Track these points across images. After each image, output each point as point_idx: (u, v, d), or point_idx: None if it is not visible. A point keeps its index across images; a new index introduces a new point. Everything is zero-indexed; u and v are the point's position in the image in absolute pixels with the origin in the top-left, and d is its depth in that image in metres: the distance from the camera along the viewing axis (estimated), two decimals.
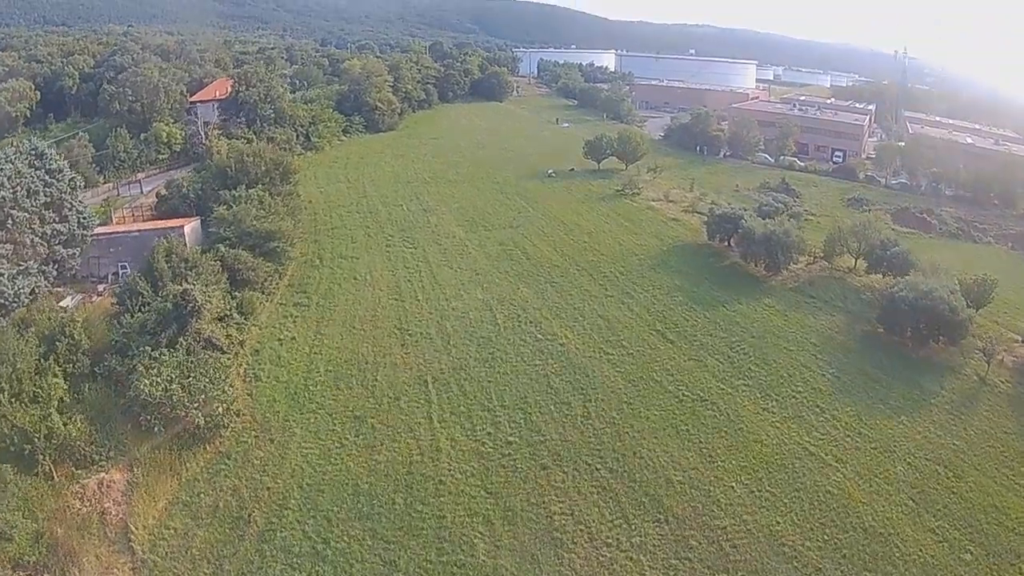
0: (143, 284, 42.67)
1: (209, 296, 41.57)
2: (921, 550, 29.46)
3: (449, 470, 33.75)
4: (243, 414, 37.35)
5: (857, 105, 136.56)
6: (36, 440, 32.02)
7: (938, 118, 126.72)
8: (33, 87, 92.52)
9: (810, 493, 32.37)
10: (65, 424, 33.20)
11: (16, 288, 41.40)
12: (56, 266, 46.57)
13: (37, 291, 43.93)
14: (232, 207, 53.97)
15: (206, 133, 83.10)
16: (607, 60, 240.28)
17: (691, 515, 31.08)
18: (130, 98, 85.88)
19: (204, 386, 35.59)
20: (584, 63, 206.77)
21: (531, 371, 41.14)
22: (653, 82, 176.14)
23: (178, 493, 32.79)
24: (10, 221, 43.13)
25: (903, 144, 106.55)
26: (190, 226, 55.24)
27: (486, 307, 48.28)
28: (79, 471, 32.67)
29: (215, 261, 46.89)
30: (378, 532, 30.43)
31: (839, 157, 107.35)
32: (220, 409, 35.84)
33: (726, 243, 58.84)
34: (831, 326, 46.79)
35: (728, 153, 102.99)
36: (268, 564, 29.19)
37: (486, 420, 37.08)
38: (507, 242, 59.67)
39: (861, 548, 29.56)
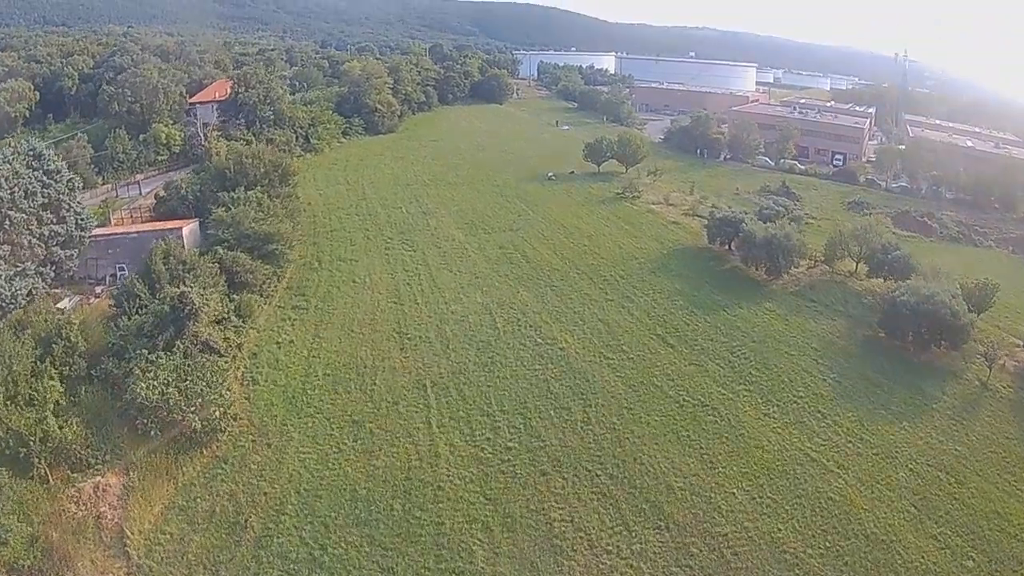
0: (141, 286, 42.41)
1: (207, 299, 41.42)
2: (923, 557, 29.34)
3: (448, 476, 33.52)
4: (240, 418, 37.11)
5: (857, 108, 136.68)
6: (31, 443, 31.79)
7: (938, 121, 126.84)
8: (32, 87, 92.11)
9: (812, 499, 32.23)
10: (61, 427, 33.01)
11: (13, 290, 41.25)
12: (54, 267, 46.33)
13: (34, 293, 43.70)
14: (231, 209, 53.72)
15: (205, 135, 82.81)
16: (607, 63, 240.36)
17: (692, 522, 30.90)
18: (129, 99, 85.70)
19: (201, 390, 35.39)
20: (584, 66, 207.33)
21: (531, 376, 40.93)
22: (653, 85, 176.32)
23: (174, 498, 32.56)
24: (7, 222, 42.90)
25: (903, 147, 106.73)
26: (188, 228, 55.02)
27: (485, 311, 48.07)
28: (75, 475, 32.49)
29: (213, 263, 46.67)
30: (376, 538, 30.20)
31: (839, 160, 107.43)
32: (217, 413, 35.66)
33: (727, 247, 58.75)
34: (832, 330, 46.67)
35: (728, 156, 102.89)
36: (265, 570, 28.96)
37: (485, 425, 36.86)
38: (507, 245, 59.48)
39: (863, 555, 29.39)
